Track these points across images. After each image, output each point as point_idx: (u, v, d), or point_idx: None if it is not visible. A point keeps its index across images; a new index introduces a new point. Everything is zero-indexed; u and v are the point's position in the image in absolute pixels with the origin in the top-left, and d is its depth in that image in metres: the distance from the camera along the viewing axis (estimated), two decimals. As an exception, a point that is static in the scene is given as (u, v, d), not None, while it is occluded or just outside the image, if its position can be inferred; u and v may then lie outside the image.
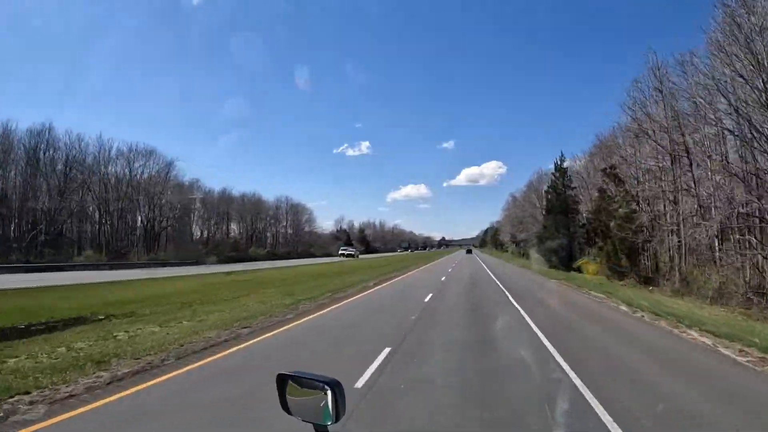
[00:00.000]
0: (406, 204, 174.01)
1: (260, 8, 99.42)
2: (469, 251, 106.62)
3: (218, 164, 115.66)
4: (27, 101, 71.73)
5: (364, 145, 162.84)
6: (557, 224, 33.86)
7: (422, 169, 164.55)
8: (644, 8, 70.32)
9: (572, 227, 34.75)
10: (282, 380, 1.46)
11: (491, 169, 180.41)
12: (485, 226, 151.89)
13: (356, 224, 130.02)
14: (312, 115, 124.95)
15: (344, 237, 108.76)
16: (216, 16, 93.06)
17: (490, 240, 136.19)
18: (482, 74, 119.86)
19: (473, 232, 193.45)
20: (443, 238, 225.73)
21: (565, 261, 33.47)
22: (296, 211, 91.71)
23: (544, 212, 36.16)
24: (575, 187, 35.64)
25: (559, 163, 35.63)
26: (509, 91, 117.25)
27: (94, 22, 75.78)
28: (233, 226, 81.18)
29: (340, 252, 65.68)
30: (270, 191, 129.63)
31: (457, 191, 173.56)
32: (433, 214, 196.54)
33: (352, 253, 63.82)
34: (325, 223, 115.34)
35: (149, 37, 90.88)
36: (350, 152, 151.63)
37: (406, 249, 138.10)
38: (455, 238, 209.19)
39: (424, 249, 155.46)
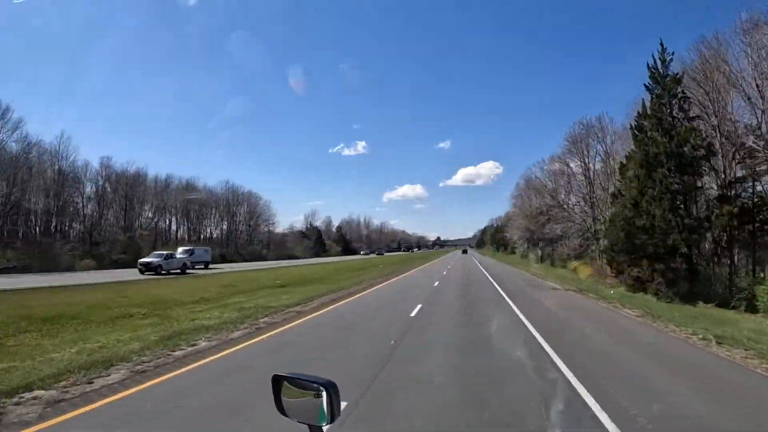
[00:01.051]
0: (402, 204, 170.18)
1: (258, 8, 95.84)
2: (464, 251, 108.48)
3: (212, 163, 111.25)
4: (26, 101, 70.53)
5: (361, 145, 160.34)
6: (670, 195, 14.51)
7: (418, 169, 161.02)
8: (644, 8, 67.79)
9: (696, 205, 15.54)
10: (277, 381, 1.42)
11: (488, 169, 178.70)
12: (482, 225, 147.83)
13: (335, 221, 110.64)
14: (308, 115, 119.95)
15: (314, 235, 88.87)
16: (213, 15, 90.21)
17: (490, 239, 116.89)
18: (480, 74, 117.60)
19: (469, 233, 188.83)
20: (438, 238, 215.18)
21: (685, 284, 14.47)
22: (246, 203, 72.10)
23: (631, 173, 16.37)
24: (696, 117, 16.37)
25: (659, 62, 16.28)
26: (507, 91, 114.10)
27: (91, 23, 72.30)
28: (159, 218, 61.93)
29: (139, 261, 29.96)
30: (263, 191, 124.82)
31: (454, 191, 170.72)
32: (429, 215, 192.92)
33: (152, 261, 28.25)
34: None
35: (147, 37, 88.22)
36: (346, 152, 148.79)
37: (389, 250, 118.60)
38: (451, 238, 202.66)
39: (408, 250, 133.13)
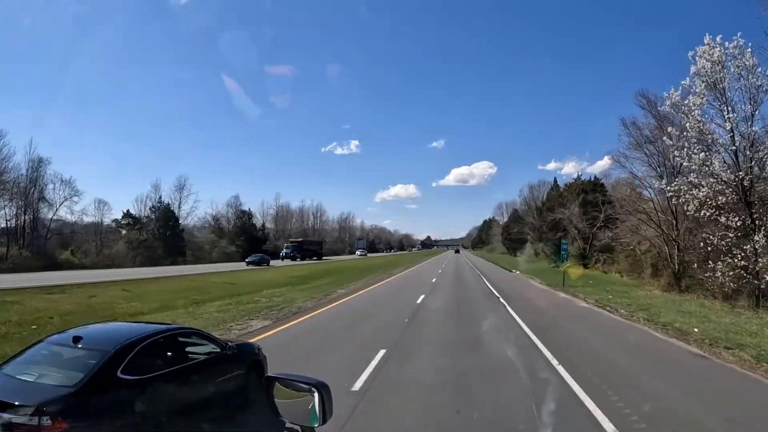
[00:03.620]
0: (394, 204, 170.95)
1: (251, 8, 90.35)
2: (456, 251, 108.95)
3: (207, 163, 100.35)
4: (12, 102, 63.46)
5: (354, 144, 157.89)
6: None
7: (412, 168, 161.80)
8: (638, 9, 51.84)
9: None
10: (269, 382, 1.39)
11: (481, 169, 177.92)
12: (477, 224, 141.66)
13: (251, 207, 63.70)
14: (303, 115, 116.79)
15: (161, 222, 43.58)
16: (205, 15, 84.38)
17: (504, 237, 73.50)
18: (476, 73, 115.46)
19: (462, 233, 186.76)
20: (428, 238, 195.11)
21: None
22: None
23: None
24: None
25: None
26: (505, 90, 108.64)
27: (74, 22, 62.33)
28: None
29: None
30: (257, 191, 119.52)
31: (447, 191, 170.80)
32: (421, 214, 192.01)
33: None
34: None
35: (135, 35, 76.00)
36: (339, 151, 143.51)
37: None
38: (443, 238, 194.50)
39: (301, 255, 51.41)
